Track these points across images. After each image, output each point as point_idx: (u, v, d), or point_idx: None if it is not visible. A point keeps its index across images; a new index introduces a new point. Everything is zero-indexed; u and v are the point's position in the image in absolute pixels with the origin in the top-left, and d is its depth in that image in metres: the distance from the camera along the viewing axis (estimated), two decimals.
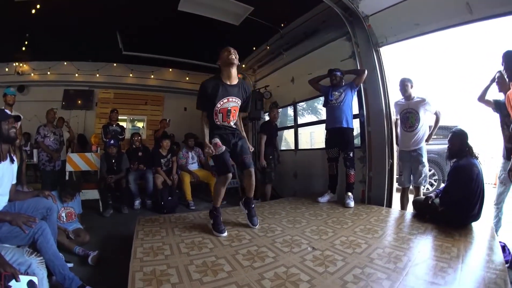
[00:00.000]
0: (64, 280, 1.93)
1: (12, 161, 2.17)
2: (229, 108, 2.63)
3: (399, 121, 3.78)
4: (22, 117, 3.25)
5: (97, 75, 7.18)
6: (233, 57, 2.52)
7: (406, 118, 3.66)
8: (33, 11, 4.23)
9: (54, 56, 6.65)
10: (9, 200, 2.13)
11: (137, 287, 1.57)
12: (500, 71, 2.84)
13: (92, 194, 4.44)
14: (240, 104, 2.70)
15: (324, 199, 3.90)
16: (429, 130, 3.72)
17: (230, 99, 2.61)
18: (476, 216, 2.73)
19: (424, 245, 2.35)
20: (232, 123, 2.72)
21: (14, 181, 2.24)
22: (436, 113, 3.65)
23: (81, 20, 4.85)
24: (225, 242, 2.33)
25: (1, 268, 1.43)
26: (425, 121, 3.63)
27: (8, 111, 2.27)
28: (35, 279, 1.50)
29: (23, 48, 5.72)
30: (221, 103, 2.58)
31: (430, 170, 5.70)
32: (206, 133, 2.66)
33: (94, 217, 4.14)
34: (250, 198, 2.80)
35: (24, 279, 1.47)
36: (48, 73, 6.83)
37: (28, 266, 1.60)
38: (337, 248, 2.21)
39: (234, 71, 2.61)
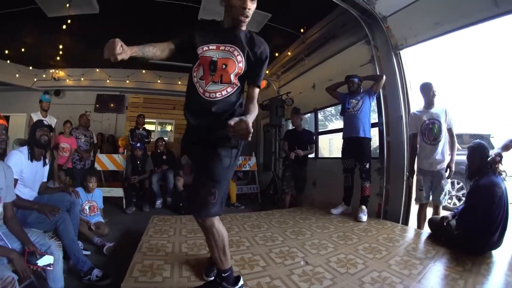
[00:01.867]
0: (78, 262, 2.32)
1: (45, 163, 2.71)
2: (214, 59, 1.58)
3: (418, 135, 3.50)
4: (54, 126, 3.76)
5: (127, 81, 7.86)
6: (241, 18, 1.57)
7: (429, 130, 3.38)
8: (64, 26, 4.85)
9: (87, 64, 7.40)
10: (39, 193, 2.67)
11: (133, 275, 1.87)
12: None
13: (117, 192, 4.92)
14: (242, 64, 1.60)
15: (337, 211, 3.91)
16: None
17: (223, 47, 1.60)
18: (496, 244, 2.49)
19: (427, 273, 2.14)
20: (217, 94, 1.59)
21: (45, 180, 2.79)
22: (450, 130, 3.36)
23: (109, 30, 5.34)
24: None
25: (26, 246, 1.79)
26: (446, 133, 3.38)
27: (45, 121, 2.81)
28: (51, 258, 1.83)
29: (58, 58, 6.48)
30: (204, 48, 1.61)
31: (458, 183, 5.54)
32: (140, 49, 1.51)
33: (117, 213, 4.57)
34: (216, 269, 1.77)
35: (44, 257, 1.82)
36: (82, 79, 7.63)
37: (48, 247, 1.92)
38: (331, 265, 2.20)
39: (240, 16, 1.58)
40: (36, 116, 4.50)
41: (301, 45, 5.67)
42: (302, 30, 5.36)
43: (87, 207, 3.55)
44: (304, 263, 2.24)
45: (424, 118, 3.44)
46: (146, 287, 1.77)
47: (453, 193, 5.73)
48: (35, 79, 7.49)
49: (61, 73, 7.60)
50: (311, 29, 5.25)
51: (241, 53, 1.59)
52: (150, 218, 3.38)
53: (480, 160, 2.70)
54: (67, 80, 7.66)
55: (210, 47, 1.60)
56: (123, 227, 3.87)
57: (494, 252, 2.50)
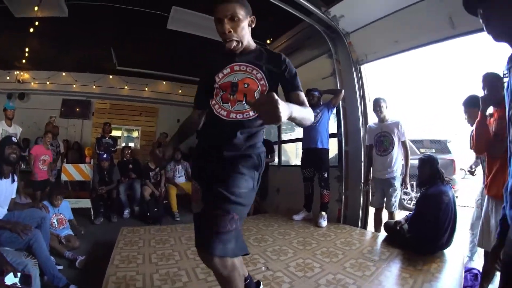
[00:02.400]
0: (53, 278, 2.41)
1: (13, 180, 2.78)
2: (234, 81, 1.50)
3: (373, 146, 3.83)
4: (19, 136, 3.77)
5: (94, 86, 7.79)
6: (225, 27, 1.43)
7: (380, 142, 3.73)
8: (31, 29, 4.80)
9: (54, 66, 7.25)
10: (8, 210, 2.73)
11: None
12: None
13: (85, 202, 4.94)
14: (264, 81, 1.50)
15: (298, 217, 4.14)
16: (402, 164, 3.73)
17: (237, 67, 1.53)
18: (445, 245, 2.78)
19: (379, 274, 2.35)
20: (244, 115, 1.49)
21: (14, 196, 2.86)
22: (404, 143, 3.67)
23: (78, 35, 5.45)
24: (191, 255, 2.73)
25: (3, 266, 1.86)
26: (398, 145, 3.68)
27: (13, 137, 2.90)
28: (29, 277, 1.93)
29: (23, 60, 6.32)
30: (220, 76, 1.53)
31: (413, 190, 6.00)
32: (178, 139, 1.71)
33: (86, 224, 4.57)
34: None
35: (22, 276, 1.90)
36: (48, 82, 7.44)
37: (25, 266, 2.03)
38: (289, 270, 2.41)
39: (235, 44, 1.50)
40: (0, 126, 4.48)
41: None
42: (268, 42, 5.59)
43: (55, 220, 3.60)
44: (265, 268, 2.44)
45: (377, 131, 3.78)
46: None
47: (413, 195, 6.26)
48: None
49: (26, 75, 7.38)
50: (277, 40, 5.44)
51: (260, 71, 1.51)
52: (119, 229, 3.51)
53: (429, 171, 2.99)
54: (32, 83, 7.45)
55: (225, 72, 1.52)
56: (93, 238, 3.95)
57: (445, 251, 2.79)
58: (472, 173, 2.99)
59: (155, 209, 5.02)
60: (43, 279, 2.39)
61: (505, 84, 1.15)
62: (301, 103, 1.50)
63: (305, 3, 3.66)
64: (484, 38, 2.69)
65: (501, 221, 1.22)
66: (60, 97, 7.89)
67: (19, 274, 1.90)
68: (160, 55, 6.44)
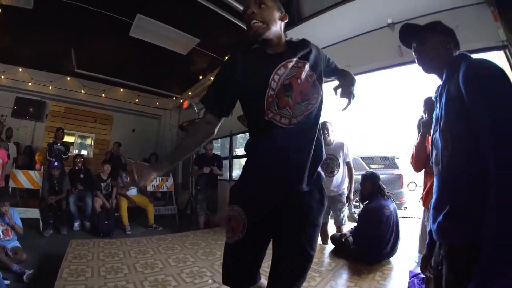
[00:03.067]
0: None
1: None
2: (286, 82, 1.31)
3: None
4: None
5: (50, 87, 7.49)
6: (251, 25, 1.34)
7: (327, 164, 3.85)
8: None
9: (10, 59, 6.82)
10: None
11: None
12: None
13: (33, 213, 4.85)
14: (311, 72, 1.38)
15: None
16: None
17: (289, 65, 1.34)
18: (389, 254, 2.97)
19: (324, 284, 2.48)
20: (299, 119, 1.31)
21: None
22: (349, 163, 3.86)
23: (40, 30, 5.28)
24: (139, 268, 2.92)
25: None
26: (343, 165, 3.86)
27: None
28: None
29: None
30: (277, 77, 1.31)
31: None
32: (176, 154, 1.40)
33: (34, 236, 4.55)
34: None
35: None
36: (2, 76, 7.00)
37: None
38: None
39: (273, 38, 1.40)
40: None
41: None
42: (226, 57, 5.86)
43: (0, 231, 3.53)
44: (212, 281, 2.58)
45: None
46: None
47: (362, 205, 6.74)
48: None
49: None
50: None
51: (302, 62, 1.37)
52: (68, 241, 3.54)
53: (371, 187, 3.20)
54: None
55: (280, 73, 1.32)
56: (42, 251, 3.93)
57: (391, 259, 3.01)
58: None
59: (106, 222, 5.05)
60: None
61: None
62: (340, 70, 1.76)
63: None
64: None
65: (429, 233, 1.31)
66: (14, 94, 7.39)
67: None
68: (120, 61, 6.46)
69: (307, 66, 1.36)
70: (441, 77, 1.23)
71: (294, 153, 1.29)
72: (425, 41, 1.27)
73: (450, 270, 1.09)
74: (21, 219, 3.99)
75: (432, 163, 1.28)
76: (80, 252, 3.27)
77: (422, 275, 2.62)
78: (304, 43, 1.48)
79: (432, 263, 1.28)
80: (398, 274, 2.73)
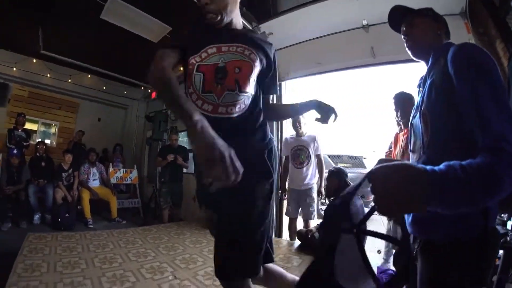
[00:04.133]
0: None
1: None
2: (220, 65, 1.25)
3: (289, 158, 3.97)
4: None
5: (14, 69, 6.99)
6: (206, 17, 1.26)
7: (297, 155, 3.88)
8: None
9: None
10: None
11: None
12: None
13: None
14: (258, 68, 1.30)
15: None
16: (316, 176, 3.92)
17: (225, 48, 1.28)
18: None
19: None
20: (236, 108, 1.25)
21: None
22: (319, 156, 3.88)
23: (6, 6, 4.85)
24: (97, 263, 2.86)
25: None
26: (313, 158, 3.89)
27: None
28: None
29: None
30: (203, 55, 1.27)
31: None
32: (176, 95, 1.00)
33: None
34: None
35: None
36: None
37: None
38: (197, 279, 2.53)
39: (228, 22, 1.32)
40: None
41: None
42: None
43: None
44: (172, 277, 2.55)
45: (294, 144, 3.96)
46: None
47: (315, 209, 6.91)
48: None
49: None
50: None
51: (253, 52, 1.27)
52: (27, 235, 3.42)
53: (337, 182, 3.16)
54: None
55: (210, 51, 1.26)
56: None
57: None
58: None
59: (67, 215, 4.81)
60: None
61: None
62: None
63: None
64: (399, 69, 3.35)
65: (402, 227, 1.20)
66: None
67: None
68: (89, 46, 6.13)
69: (253, 57, 1.27)
70: (427, 63, 1.21)
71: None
72: (415, 24, 1.25)
73: (426, 267, 1.02)
74: None
75: (410, 150, 1.25)
76: (36, 246, 3.18)
77: (390, 271, 2.67)
78: (265, 40, 1.44)
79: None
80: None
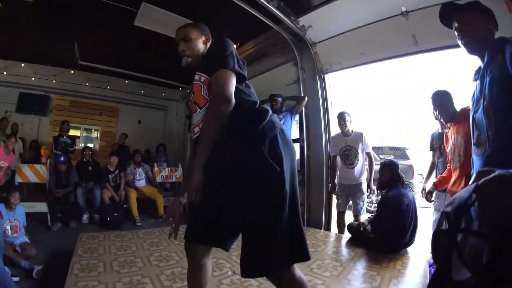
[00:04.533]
0: None
1: None
2: (191, 98, 1.51)
3: (338, 157, 3.93)
4: None
5: (54, 81, 7.31)
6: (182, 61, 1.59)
7: (346, 156, 3.83)
8: None
9: (12, 55, 6.64)
10: None
11: None
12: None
13: (41, 207, 4.67)
14: (203, 75, 1.44)
15: None
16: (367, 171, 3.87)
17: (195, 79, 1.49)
18: (408, 243, 2.91)
19: (347, 273, 2.42)
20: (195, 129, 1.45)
21: None
22: (369, 154, 3.83)
23: (42, 23, 5.07)
24: (154, 262, 2.74)
25: None
26: (363, 155, 3.83)
27: None
28: None
29: None
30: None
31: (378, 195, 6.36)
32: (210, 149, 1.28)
33: (43, 231, 4.33)
34: None
35: None
36: (5, 73, 6.81)
37: None
38: None
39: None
40: None
41: None
42: (235, 46, 5.61)
43: (8, 227, 3.35)
44: (231, 273, 2.44)
45: (342, 145, 3.88)
46: None
47: (373, 198, 6.42)
48: None
49: None
50: (244, 45, 5.49)
51: (201, 74, 1.45)
52: (77, 235, 3.37)
53: (389, 175, 3.12)
54: None
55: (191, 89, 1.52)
56: (50, 245, 3.72)
57: (408, 249, 2.94)
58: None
59: (115, 214, 4.86)
60: None
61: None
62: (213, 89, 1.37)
63: (276, 11, 3.78)
64: (443, 55, 3.12)
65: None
66: (17, 90, 7.23)
67: None
68: (125, 52, 6.21)
69: (201, 77, 1.44)
70: (482, 59, 1.23)
71: None
72: (467, 21, 1.27)
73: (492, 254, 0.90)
74: (29, 214, 3.80)
75: (473, 144, 1.28)
76: (90, 246, 3.08)
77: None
78: (207, 54, 1.59)
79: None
80: (417, 263, 2.65)
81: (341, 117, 3.85)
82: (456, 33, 1.30)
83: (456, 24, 1.30)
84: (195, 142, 1.44)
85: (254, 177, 1.23)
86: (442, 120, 2.54)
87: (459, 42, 1.30)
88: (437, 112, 2.49)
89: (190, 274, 1.56)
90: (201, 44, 1.61)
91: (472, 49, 1.27)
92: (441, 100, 2.48)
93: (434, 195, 2.90)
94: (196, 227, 1.47)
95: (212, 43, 1.63)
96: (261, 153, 1.22)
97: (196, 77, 1.46)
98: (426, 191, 2.80)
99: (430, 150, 3.41)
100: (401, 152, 8.06)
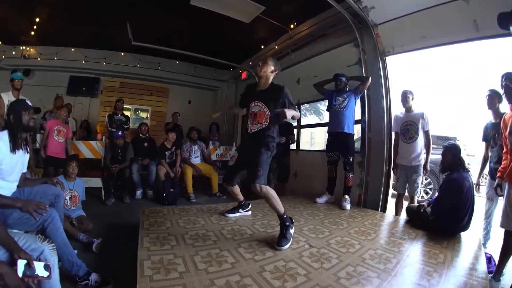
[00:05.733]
0: (72, 266, 2.01)
1: (27, 151, 2.24)
2: (255, 112, 2.56)
3: (399, 134, 3.84)
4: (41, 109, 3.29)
5: (104, 64, 7.24)
6: (257, 69, 2.60)
7: (406, 130, 3.74)
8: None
9: (62, 42, 6.63)
10: (18, 186, 2.18)
11: (146, 274, 1.67)
12: (491, 90, 2.99)
13: (95, 182, 4.55)
14: (267, 109, 2.50)
15: (322, 200, 4.01)
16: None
17: (256, 104, 2.55)
18: (465, 227, 2.83)
19: (413, 250, 2.43)
20: (255, 129, 2.56)
21: (25, 170, 2.31)
22: (427, 133, 3.69)
23: (92, 7, 4.95)
24: (227, 235, 2.46)
25: (16, 254, 1.47)
26: (422, 134, 3.70)
27: (28, 101, 2.32)
28: (47, 266, 1.56)
29: (32, 33, 5.76)
30: (250, 105, 2.60)
31: (426, 179, 5.80)
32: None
33: (97, 205, 4.24)
34: (277, 215, 2.48)
35: (38, 265, 1.52)
36: (55, 58, 6.83)
37: (41, 252, 1.63)
38: (332, 247, 2.34)
39: (262, 80, 2.59)
40: (7, 97, 3.85)
41: (288, 40, 5.64)
42: (292, 26, 5.32)
43: (67, 198, 3.15)
44: (308, 246, 2.35)
45: (404, 120, 3.78)
46: (164, 285, 1.58)
47: (421, 187, 6.05)
48: (3, 56, 6.55)
49: (32, 51, 6.72)
50: (300, 25, 5.27)
51: (265, 105, 2.52)
52: (131, 210, 3.46)
53: (452, 158, 3.02)
54: (39, 59, 6.78)
55: (251, 105, 2.61)
56: (106, 220, 3.58)
57: (464, 233, 2.84)
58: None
59: (171, 190, 4.61)
60: (59, 265, 1.89)
61: None
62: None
63: None
64: (503, 43, 3.03)
65: None
66: (68, 74, 7.26)
67: (35, 262, 1.52)
68: (178, 32, 5.95)
69: (265, 109, 2.53)
70: None
71: (251, 138, 2.65)
72: None
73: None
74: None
75: None
76: (156, 219, 2.79)
77: (488, 255, 2.64)
78: (271, 89, 2.58)
79: None
80: (473, 246, 2.63)
81: (404, 94, 3.78)
82: None
83: None
84: (255, 134, 2.60)
85: (266, 152, 2.49)
86: (507, 99, 2.46)
87: None
88: (504, 90, 2.42)
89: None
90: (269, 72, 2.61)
91: None
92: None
93: (487, 184, 3.06)
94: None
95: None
96: (273, 146, 2.56)
97: (261, 107, 2.55)
98: (495, 185, 2.67)
99: (483, 140, 3.33)
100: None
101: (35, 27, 5.55)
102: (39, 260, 1.59)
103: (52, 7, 4.83)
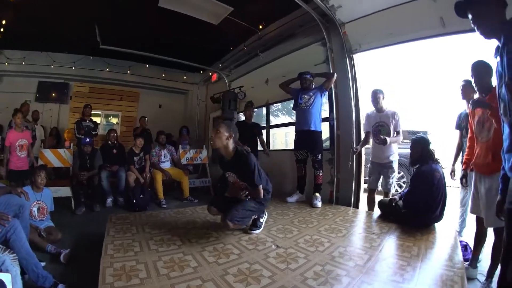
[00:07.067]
0: (37, 278, 1.96)
1: None
2: (231, 181, 2.76)
3: (370, 134, 3.84)
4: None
5: (73, 68, 7.04)
6: (212, 144, 2.71)
7: (378, 131, 3.71)
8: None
9: (30, 45, 6.42)
10: None
11: (107, 282, 1.66)
12: (465, 80, 3.02)
13: (65, 191, 4.40)
14: (241, 179, 2.67)
15: (292, 199, 4.05)
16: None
17: (230, 174, 2.75)
18: (438, 218, 2.87)
19: (385, 244, 2.41)
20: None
21: None
22: (399, 132, 3.69)
23: (59, 10, 4.83)
24: (193, 239, 2.46)
25: None
26: (393, 134, 3.69)
27: None
28: (8, 276, 1.53)
29: None
30: (226, 175, 2.80)
31: (399, 173, 5.92)
32: None
33: (66, 215, 4.10)
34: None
35: None
36: (23, 63, 6.59)
37: (2, 263, 1.60)
38: (300, 246, 2.33)
39: (223, 151, 2.64)
40: None
41: (257, 41, 5.69)
42: (260, 27, 5.37)
43: (35, 209, 3.09)
44: (275, 246, 2.34)
45: (375, 120, 3.76)
46: None
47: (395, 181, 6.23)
48: None
49: None
50: (269, 26, 5.33)
51: (233, 175, 2.73)
52: (102, 218, 3.24)
53: (421, 150, 3.05)
54: (6, 64, 6.51)
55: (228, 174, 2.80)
56: (75, 229, 3.49)
57: (438, 224, 2.88)
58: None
59: (141, 196, 4.50)
60: (24, 278, 1.90)
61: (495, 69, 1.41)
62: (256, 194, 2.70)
63: None
64: (468, 38, 3.06)
65: (501, 179, 1.46)
66: (36, 79, 7.03)
67: None
68: (147, 35, 5.89)
69: (237, 177, 2.72)
70: (499, 40, 1.34)
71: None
72: (479, 13, 1.42)
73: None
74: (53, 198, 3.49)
75: (500, 114, 1.40)
76: (122, 226, 2.80)
77: (464, 243, 2.72)
78: (236, 160, 2.64)
79: (506, 206, 1.36)
80: (447, 236, 2.66)
81: (375, 94, 3.73)
82: (472, 25, 1.45)
83: (471, 18, 1.45)
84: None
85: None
86: (476, 89, 2.45)
87: (477, 31, 1.45)
88: (473, 80, 2.41)
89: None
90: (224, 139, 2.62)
91: (488, 37, 1.41)
92: (479, 70, 2.38)
93: (461, 172, 2.97)
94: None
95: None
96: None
97: (234, 177, 2.75)
98: (460, 176, 2.87)
99: (456, 129, 3.37)
100: None
101: (1, 29, 5.31)
102: (1, 271, 1.56)
103: (17, 9, 4.68)
